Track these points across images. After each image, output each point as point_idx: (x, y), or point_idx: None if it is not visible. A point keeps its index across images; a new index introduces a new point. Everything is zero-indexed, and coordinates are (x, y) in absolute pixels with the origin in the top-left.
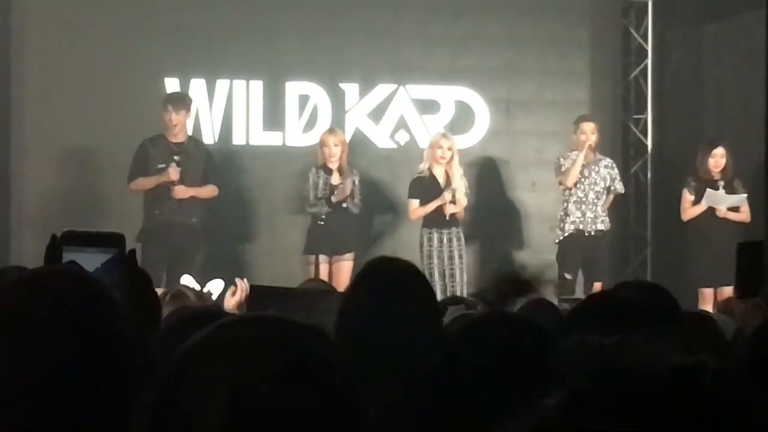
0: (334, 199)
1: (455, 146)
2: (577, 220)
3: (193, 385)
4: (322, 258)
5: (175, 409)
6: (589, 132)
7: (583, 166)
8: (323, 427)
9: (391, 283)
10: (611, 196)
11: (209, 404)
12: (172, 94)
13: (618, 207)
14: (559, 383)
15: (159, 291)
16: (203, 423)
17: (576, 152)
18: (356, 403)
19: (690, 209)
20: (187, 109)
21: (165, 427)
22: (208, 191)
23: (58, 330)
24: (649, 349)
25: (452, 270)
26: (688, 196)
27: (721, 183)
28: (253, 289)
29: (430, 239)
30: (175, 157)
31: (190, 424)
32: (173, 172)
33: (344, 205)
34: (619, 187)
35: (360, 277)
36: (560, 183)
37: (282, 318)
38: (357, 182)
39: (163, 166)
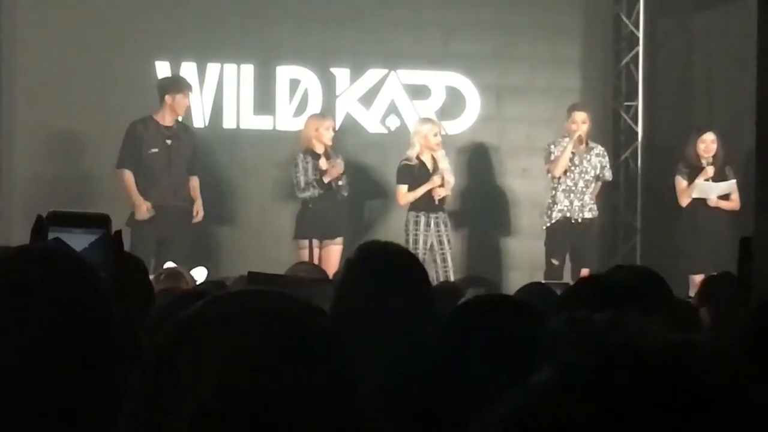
0: (326, 178)
1: (441, 128)
2: (565, 208)
3: (187, 355)
4: (313, 242)
5: (169, 378)
6: (580, 121)
7: (574, 154)
8: (316, 400)
9: (386, 267)
10: (599, 184)
11: (203, 374)
12: (184, 79)
13: (608, 194)
14: (549, 359)
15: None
16: (196, 392)
17: (567, 139)
18: (351, 377)
19: (686, 193)
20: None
21: (158, 397)
22: (196, 184)
23: (42, 306)
24: (639, 326)
25: (443, 254)
26: (682, 182)
27: (711, 169)
28: (251, 275)
29: (417, 222)
30: (168, 141)
31: (183, 394)
32: (142, 211)
33: (340, 182)
34: (608, 174)
35: (354, 261)
36: (548, 171)
37: (277, 292)
38: (343, 166)
39: (156, 150)
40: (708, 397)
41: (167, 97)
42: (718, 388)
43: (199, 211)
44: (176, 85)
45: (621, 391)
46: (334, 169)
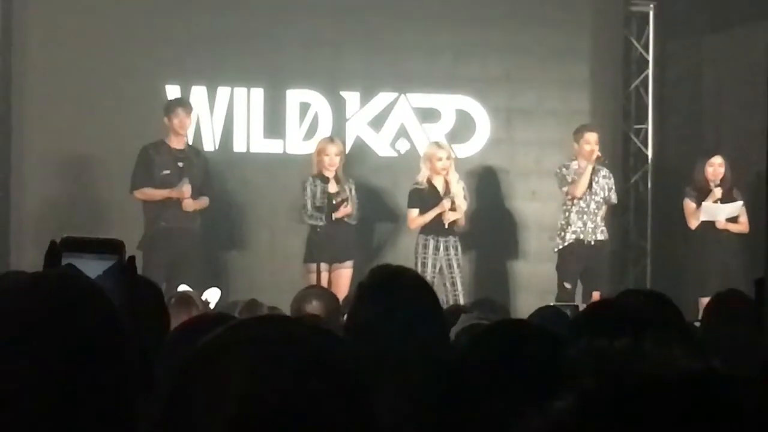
0: (335, 215)
1: (452, 152)
2: (579, 229)
3: (205, 382)
4: (322, 266)
5: (186, 406)
6: (594, 142)
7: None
8: (333, 425)
9: (398, 291)
10: (605, 207)
11: (221, 402)
12: (180, 99)
13: (618, 217)
14: (569, 386)
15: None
16: (214, 421)
17: (576, 162)
18: (368, 403)
19: (695, 216)
20: (192, 112)
21: (175, 425)
22: (204, 203)
23: (55, 334)
24: (658, 354)
25: (452, 278)
26: (690, 205)
27: (719, 191)
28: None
29: (425, 246)
30: (179, 164)
31: (200, 421)
32: (186, 190)
33: (347, 220)
34: (614, 197)
35: (366, 286)
36: (567, 193)
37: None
38: (353, 191)
39: (168, 172)
40: (730, 425)
41: (166, 119)
42: (740, 416)
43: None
44: (171, 105)
45: (643, 419)
46: (344, 210)
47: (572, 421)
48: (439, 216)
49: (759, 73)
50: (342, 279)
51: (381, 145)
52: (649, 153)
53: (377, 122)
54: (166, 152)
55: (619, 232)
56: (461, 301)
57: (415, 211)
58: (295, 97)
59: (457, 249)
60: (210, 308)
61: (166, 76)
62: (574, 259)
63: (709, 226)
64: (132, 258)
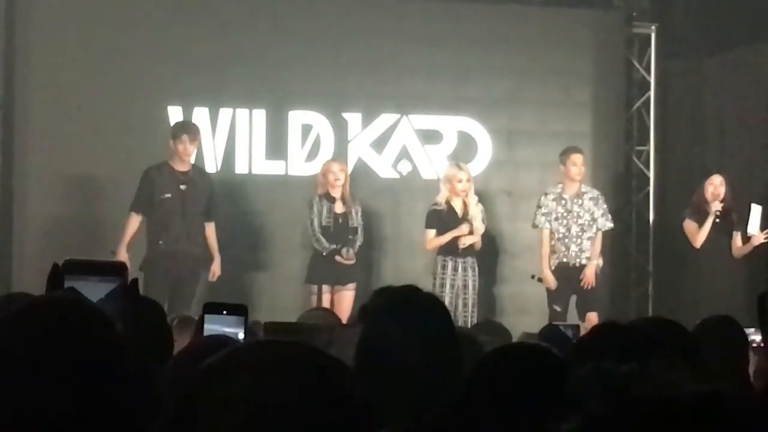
0: (338, 258)
1: (471, 175)
2: (561, 254)
3: (209, 405)
4: (324, 288)
5: (190, 426)
6: (580, 163)
7: (565, 201)
8: None
9: (408, 310)
10: (599, 234)
11: (223, 421)
12: (186, 123)
13: (619, 239)
14: (575, 410)
15: None
16: None
17: (561, 185)
18: (369, 423)
19: (699, 234)
20: (198, 138)
21: None
22: (212, 231)
23: (57, 359)
24: (665, 376)
25: (465, 299)
26: (691, 224)
27: (718, 204)
28: (267, 326)
29: (444, 266)
30: (182, 186)
31: None
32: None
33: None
34: (608, 224)
35: (374, 307)
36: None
37: (298, 343)
38: (360, 213)
39: (168, 195)
40: None
41: (171, 143)
42: None
43: (215, 260)
44: (177, 130)
45: None
46: (348, 255)
47: None
48: (456, 238)
49: (761, 94)
50: (344, 301)
51: (383, 166)
52: (651, 174)
53: (379, 144)
54: (169, 175)
55: (621, 254)
56: (468, 323)
57: (432, 232)
58: (297, 118)
59: (474, 270)
60: None
61: (169, 97)
62: (561, 282)
63: (712, 246)
64: (135, 281)
